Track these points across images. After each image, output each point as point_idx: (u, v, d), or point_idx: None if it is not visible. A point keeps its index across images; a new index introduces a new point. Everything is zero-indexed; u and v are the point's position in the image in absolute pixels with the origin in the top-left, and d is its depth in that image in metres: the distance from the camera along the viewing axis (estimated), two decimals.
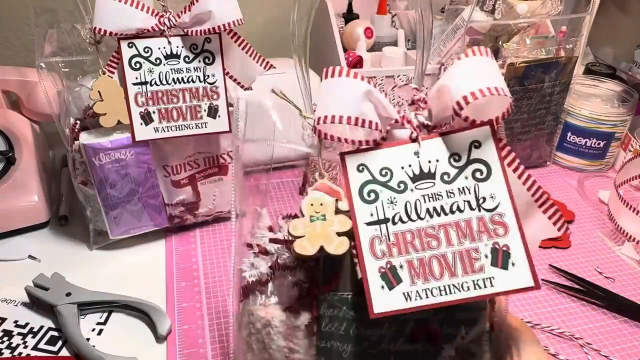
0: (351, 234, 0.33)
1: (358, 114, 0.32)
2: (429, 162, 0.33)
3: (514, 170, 0.33)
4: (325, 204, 0.33)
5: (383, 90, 0.33)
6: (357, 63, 0.85)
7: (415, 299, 0.31)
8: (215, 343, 0.53)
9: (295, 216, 0.39)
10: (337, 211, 0.33)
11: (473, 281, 0.32)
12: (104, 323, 0.55)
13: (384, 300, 0.32)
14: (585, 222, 0.74)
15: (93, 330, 0.54)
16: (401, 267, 0.32)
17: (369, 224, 0.33)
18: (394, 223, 0.33)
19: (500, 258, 0.32)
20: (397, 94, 0.35)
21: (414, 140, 0.33)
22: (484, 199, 0.32)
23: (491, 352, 0.36)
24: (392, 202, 0.33)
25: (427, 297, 0.32)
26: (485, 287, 0.31)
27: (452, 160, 0.33)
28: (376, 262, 0.32)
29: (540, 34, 0.82)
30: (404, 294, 0.32)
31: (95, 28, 0.55)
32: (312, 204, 0.33)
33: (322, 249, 0.32)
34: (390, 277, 0.32)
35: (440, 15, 0.89)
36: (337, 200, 0.34)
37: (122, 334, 0.54)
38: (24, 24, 0.89)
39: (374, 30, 0.87)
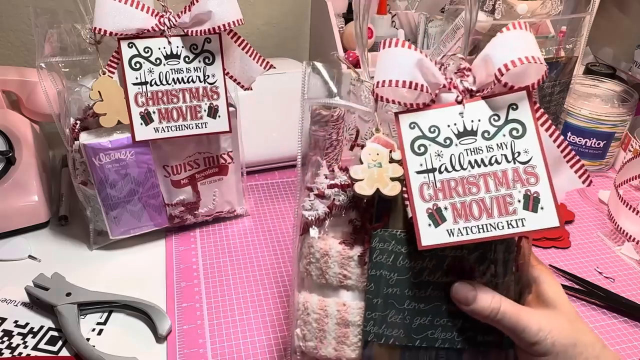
0: (402, 180, 0.38)
1: (411, 78, 0.37)
2: (472, 121, 0.38)
3: (547, 130, 0.38)
4: (381, 153, 0.39)
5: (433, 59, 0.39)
6: (357, 63, 0.85)
7: (457, 235, 0.37)
8: (215, 343, 0.53)
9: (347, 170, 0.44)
10: (391, 160, 0.39)
11: (507, 221, 0.36)
12: (104, 323, 0.55)
13: (431, 236, 0.37)
14: (585, 222, 0.74)
15: (93, 330, 0.54)
16: (446, 208, 0.37)
17: (418, 172, 0.38)
18: (440, 172, 0.37)
19: (531, 203, 0.36)
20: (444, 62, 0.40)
21: (459, 102, 0.38)
22: (519, 153, 0.37)
23: (515, 289, 0.42)
24: (439, 155, 0.38)
25: (467, 233, 0.37)
26: (517, 226, 0.36)
27: (492, 120, 0.38)
28: (424, 204, 0.37)
29: (540, 34, 0.82)
30: (447, 230, 0.37)
31: (95, 28, 0.55)
32: (369, 153, 0.39)
33: (377, 190, 0.38)
34: (436, 217, 0.37)
35: (440, 15, 0.89)
36: (390, 151, 0.39)
37: (122, 334, 0.54)
38: (24, 24, 0.89)
39: (374, 30, 0.87)
